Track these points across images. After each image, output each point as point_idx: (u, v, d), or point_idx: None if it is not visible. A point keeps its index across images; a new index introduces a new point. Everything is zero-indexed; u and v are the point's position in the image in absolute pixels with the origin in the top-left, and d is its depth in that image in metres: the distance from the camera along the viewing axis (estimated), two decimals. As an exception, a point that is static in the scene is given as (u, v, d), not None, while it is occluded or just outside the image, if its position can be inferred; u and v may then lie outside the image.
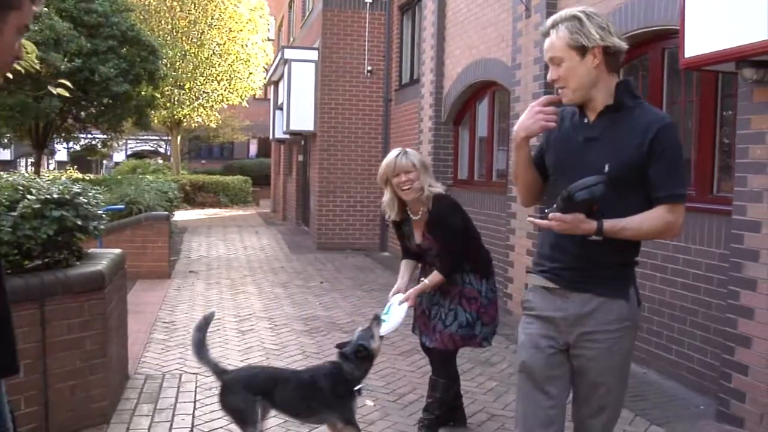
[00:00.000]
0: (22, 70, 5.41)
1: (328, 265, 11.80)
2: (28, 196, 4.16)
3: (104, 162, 39.80)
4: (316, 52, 13.89)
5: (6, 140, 14.75)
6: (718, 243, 4.80)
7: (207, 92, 26.10)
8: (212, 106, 26.82)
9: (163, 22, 24.33)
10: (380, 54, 13.51)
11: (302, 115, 14.12)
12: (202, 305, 8.28)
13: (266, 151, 34.61)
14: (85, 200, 4.49)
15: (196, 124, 28.12)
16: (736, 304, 4.32)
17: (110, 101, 13.20)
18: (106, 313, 4.40)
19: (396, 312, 3.90)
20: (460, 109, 9.86)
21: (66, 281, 4.16)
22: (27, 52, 5.34)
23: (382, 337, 3.77)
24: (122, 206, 9.47)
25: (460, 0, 9.49)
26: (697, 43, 4.02)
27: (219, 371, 3.72)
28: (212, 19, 24.96)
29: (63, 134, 14.92)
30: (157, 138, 37.74)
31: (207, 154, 40.31)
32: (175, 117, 26.06)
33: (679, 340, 5.20)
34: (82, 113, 13.91)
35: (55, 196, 4.28)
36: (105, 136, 16.45)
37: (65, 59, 10.92)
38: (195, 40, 24.91)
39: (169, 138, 30.27)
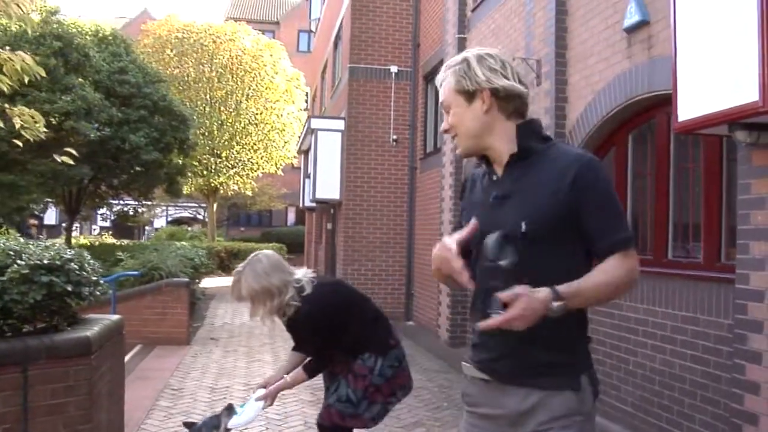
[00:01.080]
0: (30, 139, 5.57)
1: None
2: (18, 261, 4.18)
3: (146, 228, 40.56)
4: (342, 121, 14.07)
5: (42, 205, 15.12)
6: (726, 313, 4.60)
7: (243, 161, 26.59)
8: (248, 174, 27.27)
9: (201, 92, 25.00)
10: (405, 123, 13.62)
11: (329, 184, 14.22)
12: (215, 373, 8.20)
13: (303, 219, 34.96)
14: (77, 266, 4.49)
15: (232, 192, 28.56)
16: (741, 378, 4.10)
17: (141, 169, 13.50)
18: (92, 379, 4.34)
19: (250, 407, 3.66)
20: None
21: (51, 346, 4.13)
22: (35, 122, 5.51)
23: (228, 430, 3.58)
24: (138, 272, 9.53)
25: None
26: (689, 107, 3.93)
27: None
28: (249, 89, 25.60)
29: (96, 200, 15.25)
30: (195, 205, 38.41)
31: (246, 222, 40.83)
32: (212, 185, 26.52)
33: (689, 416, 4.94)
34: (115, 180, 14.23)
35: (46, 261, 4.28)
36: (136, 203, 16.77)
37: (95, 128, 11.23)
38: (232, 109, 25.51)
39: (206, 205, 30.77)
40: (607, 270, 1.97)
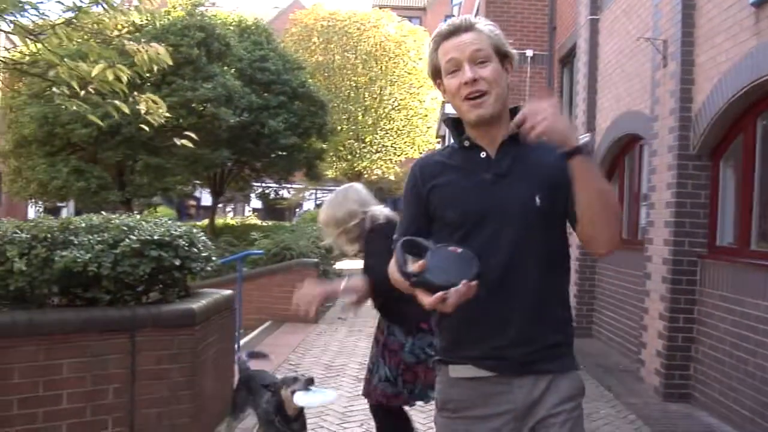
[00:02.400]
0: (154, 122, 5.94)
1: None
2: (131, 236, 4.51)
3: (296, 210, 42.13)
4: (476, 106, 13.95)
5: (191, 186, 16.10)
6: None
7: (386, 146, 27.00)
8: (391, 159, 27.67)
9: (345, 79, 25.58)
10: (541, 108, 13.28)
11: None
12: (335, 351, 8.44)
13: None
14: (186, 243, 4.77)
15: (376, 176, 29.09)
16: None
17: (281, 153, 14.04)
18: (196, 349, 4.61)
19: (324, 394, 3.84)
20: (610, 164, 9.44)
21: (157, 315, 4.45)
22: (158, 107, 5.87)
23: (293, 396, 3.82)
24: (261, 251, 9.95)
25: (609, 51, 9.18)
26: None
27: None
28: (393, 75, 25.90)
29: (240, 183, 16.03)
30: (342, 189, 39.40)
31: (392, 205, 41.09)
32: (355, 169, 27.13)
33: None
34: (256, 164, 14.88)
35: (156, 237, 4.59)
36: (278, 186, 17.46)
37: (234, 114, 11.80)
38: (375, 95, 25.94)
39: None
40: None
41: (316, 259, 11.08)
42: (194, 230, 5.13)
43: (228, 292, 5.68)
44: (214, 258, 5.26)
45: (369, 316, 11.37)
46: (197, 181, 15.11)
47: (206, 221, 17.14)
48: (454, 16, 26.29)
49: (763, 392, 5.10)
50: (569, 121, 1.78)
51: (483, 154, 2.03)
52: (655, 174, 6.86)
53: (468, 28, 1.98)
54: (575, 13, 11.00)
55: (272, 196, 18.11)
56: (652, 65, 7.14)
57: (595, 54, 9.79)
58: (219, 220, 18.84)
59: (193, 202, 36.39)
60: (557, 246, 2.02)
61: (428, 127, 27.04)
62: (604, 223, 1.91)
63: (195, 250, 4.89)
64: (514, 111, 2.04)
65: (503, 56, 2.00)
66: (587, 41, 9.86)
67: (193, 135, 5.87)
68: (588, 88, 9.88)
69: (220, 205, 42.66)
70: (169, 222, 5.06)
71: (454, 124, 2.10)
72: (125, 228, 4.60)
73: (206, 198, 35.63)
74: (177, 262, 4.62)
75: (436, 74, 2.06)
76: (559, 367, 1.98)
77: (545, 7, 13.29)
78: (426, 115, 26.99)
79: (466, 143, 2.05)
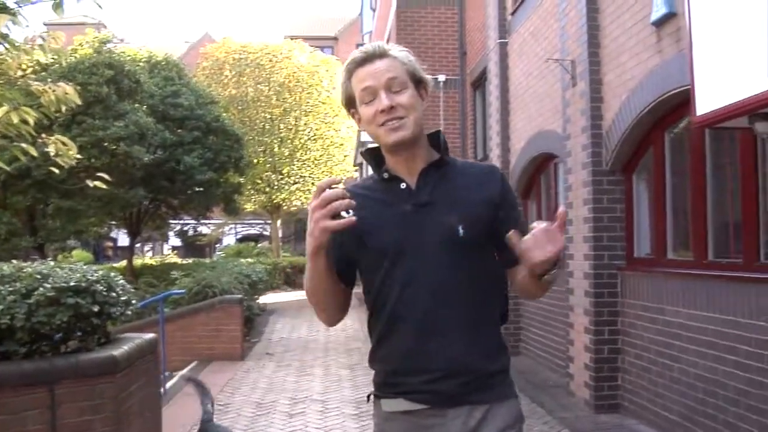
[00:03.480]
0: (65, 164, 5.73)
1: None
2: (45, 285, 4.30)
3: (216, 246, 41.40)
4: (392, 132, 14.06)
5: (106, 228, 15.63)
6: (766, 315, 4.36)
7: (304, 176, 26.88)
8: (309, 189, 27.56)
9: (260, 111, 25.39)
10: (456, 132, 13.51)
11: (381, 195, 14.21)
12: (264, 388, 8.27)
13: (366, 232, 35.02)
14: (104, 288, 4.58)
15: (295, 208, 28.90)
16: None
17: (197, 189, 13.79)
18: (119, 397, 4.41)
19: None
20: (526, 184, 9.65)
21: (77, 365, 4.24)
22: (68, 149, 5.66)
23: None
24: (182, 291, 9.72)
25: (519, 73, 9.42)
26: (707, 100, 3.76)
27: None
28: (307, 106, 25.88)
29: (157, 221, 15.67)
30: (262, 222, 39.01)
31: (306, 236, 41.12)
32: (274, 201, 26.88)
33: (734, 425, 4.70)
34: (174, 201, 14.58)
35: (72, 284, 4.39)
36: (196, 222, 17.15)
37: (148, 152, 11.55)
38: (291, 126, 25.83)
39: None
40: None
41: (239, 295, 10.86)
42: (112, 274, 4.95)
43: (151, 335, 5.47)
44: (134, 301, 5.08)
45: (297, 349, 11.28)
46: (113, 222, 14.69)
47: (124, 262, 16.66)
48: (365, 44, 26.47)
49: (688, 396, 5.25)
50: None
51: (403, 185, 1.98)
52: (571, 191, 7.03)
53: (381, 54, 1.95)
54: (484, 37, 11.26)
55: (191, 233, 17.74)
56: (562, 85, 7.35)
57: (505, 76, 10.02)
58: (138, 261, 18.32)
59: (110, 244, 35.33)
60: (487, 272, 1.98)
61: (345, 156, 27.06)
62: (539, 297, 2.04)
63: (114, 294, 4.70)
64: (432, 136, 2.04)
65: (418, 82, 1.98)
66: (497, 64, 10.10)
67: (106, 176, 5.69)
68: (501, 110, 10.09)
69: (138, 245, 41.74)
70: (85, 267, 4.86)
71: (373, 155, 2.06)
72: (39, 276, 4.39)
73: (123, 238, 34.70)
74: (95, 309, 4.43)
75: (350, 103, 2.02)
76: (495, 397, 1.94)
77: (455, 32, 13.57)
78: (342, 144, 27.02)
79: (386, 175, 2.00)
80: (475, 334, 1.92)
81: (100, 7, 4.47)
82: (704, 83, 3.80)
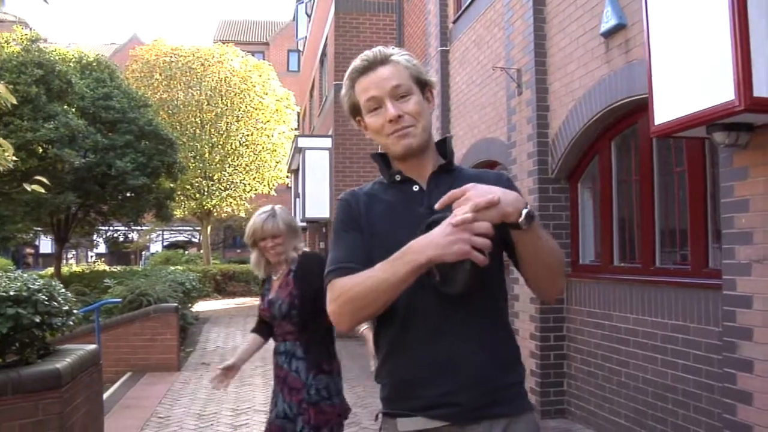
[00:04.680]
0: (0, 168, 5.44)
1: (342, 352, 11.42)
2: (-17, 294, 4.06)
3: (143, 253, 40.39)
4: (329, 139, 13.99)
5: (32, 234, 15.02)
6: (715, 321, 4.47)
7: (235, 182, 26.49)
8: (241, 195, 27.16)
9: (191, 115, 24.93)
10: (393, 138, 13.51)
11: (318, 203, 14.12)
12: (204, 399, 8.05)
13: (298, 239, 34.72)
14: (46, 297, 4.36)
15: (226, 214, 28.44)
16: (732, 388, 3.97)
17: (129, 194, 13.38)
18: (64, 413, 4.20)
19: None
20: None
21: (18, 380, 4.01)
22: (4, 151, 5.37)
23: None
24: (119, 300, 9.39)
25: (461, 81, 9.48)
26: (665, 110, 3.83)
27: None
28: (239, 111, 25.53)
29: (86, 227, 15.12)
30: (191, 228, 38.28)
31: (242, 243, 40.64)
32: (205, 207, 26.39)
33: (684, 427, 4.80)
34: (103, 207, 14.11)
35: (12, 293, 4.17)
36: (126, 229, 16.65)
37: (80, 155, 11.13)
38: (222, 132, 25.44)
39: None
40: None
41: (175, 304, 10.57)
42: (53, 282, 4.71)
43: (92, 346, 5.25)
44: (75, 311, 4.85)
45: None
46: (38, 228, 14.11)
47: (50, 270, 15.99)
48: (300, 51, 26.42)
49: (637, 401, 5.33)
50: (503, 190, 1.67)
51: (416, 188, 1.91)
52: (518, 198, 7.08)
53: (383, 60, 1.88)
54: (424, 44, 11.30)
55: (121, 239, 17.23)
56: (507, 93, 7.42)
57: (446, 84, 10.07)
58: (64, 268, 17.63)
59: (30, 251, 34.02)
60: (498, 276, 1.91)
61: (277, 162, 26.80)
62: (551, 280, 1.87)
63: (55, 303, 4.49)
64: (441, 143, 1.99)
65: (423, 85, 1.92)
66: (438, 72, 10.14)
67: (45, 180, 5.41)
68: (441, 118, 10.13)
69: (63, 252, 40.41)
70: (26, 275, 4.61)
71: (383, 158, 1.99)
72: (-24, 286, 4.14)
73: (45, 245, 33.42)
74: (37, 319, 4.21)
75: (355, 111, 1.95)
76: (514, 410, 1.85)
77: (393, 39, 13.59)
78: (274, 150, 26.75)
79: (398, 177, 1.93)
80: (492, 343, 1.84)
81: (46, 2, 4.26)
82: (662, 93, 3.87)
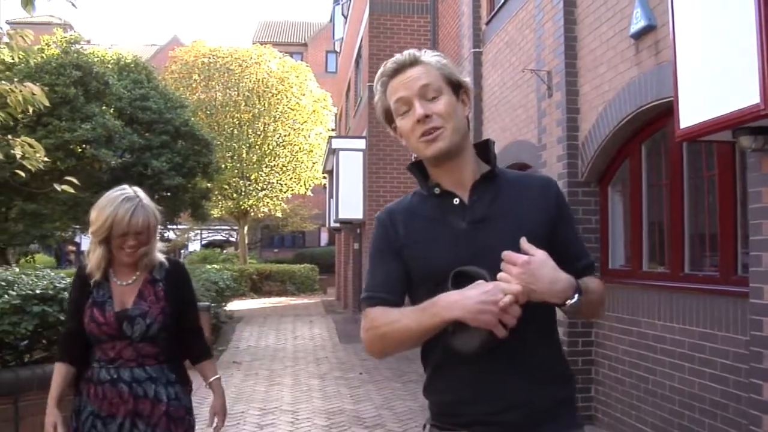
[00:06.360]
0: (32, 167, 5.56)
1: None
2: (10, 292, 4.15)
3: (181, 251, 40.92)
4: (363, 141, 14.02)
5: (71, 232, 15.32)
6: (743, 329, 4.36)
7: (272, 182, 26.71)
8: (277, 195, 27.38)
9: (228, 116, 25.19)
10: (427, 139, 13.50)
11: (351, 204, 14.16)
12: (233, 398, 8.10)
13: (335, 239, 34.92)
14: (72, 294, 4.44)
15: (263, 214, 28.67)
16: (758, 398, 3.87)
17: (165, 194, 13.57)
18: (87, 410, 4.26)
19: None
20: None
21: (44, 376, 4.08)
22: (35, 152, 5.49)
23: None
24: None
25: (493, 83, 9.41)
26: (691, 113, 3.75)
27: None
28: (276, 112, 25.73)
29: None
30: (228, 228, 38.68)
31: (279, 243, 40.95)
32: (242, 207, 26.65)
33: (710, 437, 4.70)
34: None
35: (38, 291, 4.25)
36: (162, 228, 16.89)
37: (116, 155, 11.33)
38: (260, 132, 25.66)
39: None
40: (596, 285, 1.87)
41: (207, 302, 10.69)
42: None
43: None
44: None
45: (265, 358, 11.13)
46: (77, 227, 14.39)
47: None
48: (337, 52, 26.53)
49: (663, 408, 5.24)
50: (553, 278, 1.65)
51: (456, 201, 1.84)
52: (547, 201, 7.01)
53: (413, 62, 1.83)
54: (458, 46, 11.26)
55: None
56: (537, 96, 7.35)
57: (479, 86, 10.01)
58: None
59: (72, 248, 34.67)
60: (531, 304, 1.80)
61: (314, 163, 26.95)
62: (592, 318, 1.90)
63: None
64: (479, 146, 1.93)
65: (457, 86, 1.85)
66: (471, 74, 10.07)
67: (74, 180, 5.53)
68: (474, 120, 10.07)
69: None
70: (52, 274, 4.70)
71: (419, 169, 1.92)
72: (3, 283, 4.25)
73: (86, 242, 33.99)
74: (62, 317, 4.28)
75: (388, 117, 1.90)
76: (560, 428, 1.80)
77: (428, 41, 13.57)
78: (311, 151, 26.91)
79: (437, 190, 1.86)
80: (539, 361, 1.80)
81: (74, 6, 4.33)
82: (688, 96, 3.79)
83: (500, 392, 1.77)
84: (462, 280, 1.68)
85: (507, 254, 1.66)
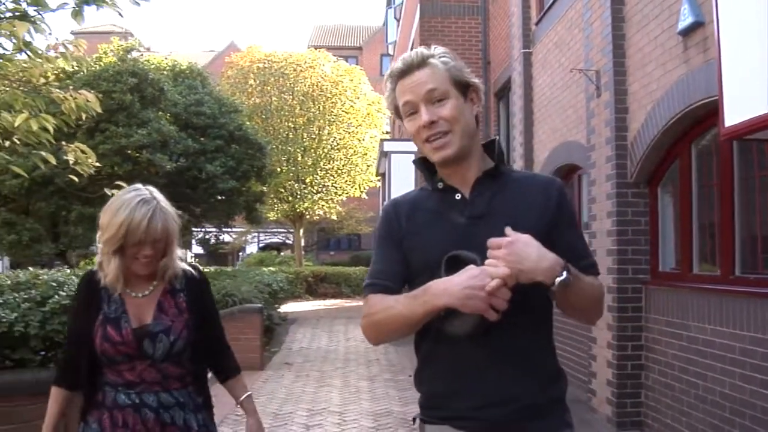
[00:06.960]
0: (83, 172, 5.73)
1: (399, 349, 11.49)
2: (60, 293, 4.28)
3: (239, 254, 41.53)
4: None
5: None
6: (795, 334, 4.22)
7: (327, 186, 26.93)
8: (333, 198, 27.59)
9: (283, 120, 25.50)
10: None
11: (403, 206, 14.15)
12: (282, 398, 8.20)
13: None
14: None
15: (318, 217, 28.92)
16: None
17: (220, 197, 13.82)
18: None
19: None
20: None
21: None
22: (87, 156, 5.66)
23: None
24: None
25: (543, 83, 9.32)
26: (735, 112, 3.65)
27: None
28: (331, 115, 25.94)
29: (179, 229, 15.70)
30: (285, 231, 39.13)
31: (335, 246, 41.20)
32: (297, 210, 26.92)
33: (762, 445, 4.55)
34: (196, 209, 14.63)
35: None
36: (217, 231, 17.21)
37: (171, 160, 11.60)
38: (314, 136, 25.91)
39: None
40: (593, 280, 1.87)
41: (259, 305, 10.83)
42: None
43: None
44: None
45: (316, 359, 11.22)
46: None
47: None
48: (390, 55, 26.60)
49: (714, 415, 5.10)
50: (539, 255, 1.65)
51: (458, 196, 1.87)
52: (595, 203, 6.92)
53: (420, 64, 1.84)
54: (508, 47, 11.18)
55: (213, 241, 17.87)
56: (586, 96, 7.24)
57: (529, 87, 9.92)
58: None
59: (132, 251, 35.47)
60: (540, 292, 1.78)
61: (368, 165, 27.06)
62: (584, 319, 1.93)
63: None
64: (488, 145, 1.95)
65: (465, 87, 1.86)
66: (521, 74, 10.01)
67: (124, 184, 5.66)
68: (524, 121, 9.99)
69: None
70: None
71: (425, 164, 1.95)
72: (54, 284, 4.38)
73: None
74: (111, 317, 4.40)
75: (398, 113, 1.94)
76: (546, 428, 1.80)
77: (479, 42, 13.50)
78: (365, 154, 27.04)
79: (440, 185, 1.90)
80: (528, 360, 1.80)
81: (121, 15, 4.47)
82: (733, 93, 3.69)
83: (485, 386, 1.77)
84: (455, 265, 1.70)
85: (492, 240, 1.67)
